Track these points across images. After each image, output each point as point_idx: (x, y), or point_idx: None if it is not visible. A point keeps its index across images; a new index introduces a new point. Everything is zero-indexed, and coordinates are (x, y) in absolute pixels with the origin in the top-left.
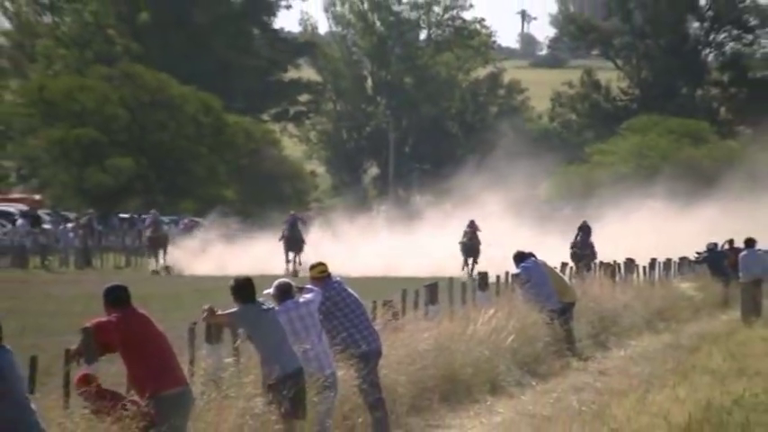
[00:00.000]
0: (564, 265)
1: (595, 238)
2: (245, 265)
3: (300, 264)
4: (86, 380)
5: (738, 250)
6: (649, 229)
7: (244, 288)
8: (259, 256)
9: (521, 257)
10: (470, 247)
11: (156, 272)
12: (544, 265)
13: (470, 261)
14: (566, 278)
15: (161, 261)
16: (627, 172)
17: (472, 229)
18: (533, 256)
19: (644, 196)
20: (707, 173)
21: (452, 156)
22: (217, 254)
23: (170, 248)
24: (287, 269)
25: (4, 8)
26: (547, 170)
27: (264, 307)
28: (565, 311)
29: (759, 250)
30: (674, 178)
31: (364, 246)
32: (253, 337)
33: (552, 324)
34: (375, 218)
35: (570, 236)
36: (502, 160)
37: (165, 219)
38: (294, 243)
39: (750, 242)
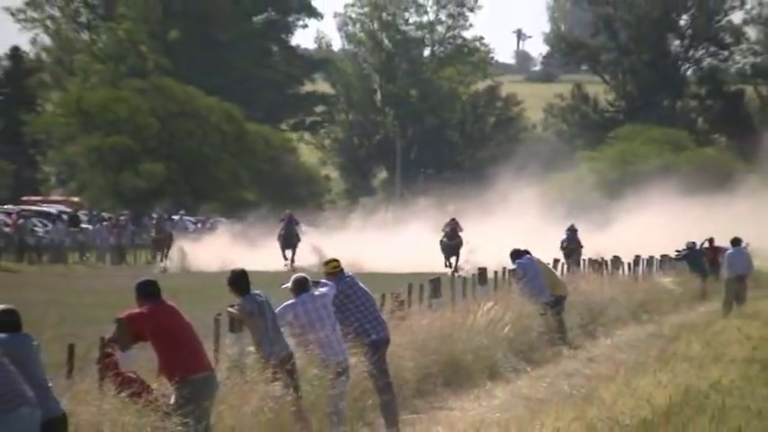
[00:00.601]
0: (556, 261)
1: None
2: (253, 261)
3: (294, 260)
4: (111, 365)
5: (717, 249)
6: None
7: (239, 280)
8: (269, 252)
9: (517, 254)
10: (450, 245)
11: (163, 269)
12: (538, 261)
13: (452, 259)
14: (557, 274)
15: (165, 259)
16: (614, 176)
17: (452, 227)
18: (528, 253)
19: (632, 198)
20: (685, 177)
21: (453, 162)
22: (230, 251)
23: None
24: (286, 265)
25: (45, 26)
26: (541, 174)
27: (259, 298)
28: (557, 304)
29: (745, 247)
30: (656, 182)
31: (375, 243)
32: (250, 325)
33: (545, 315)
34: (382, 217)
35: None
36: (504, 165)
37: (192, 218)
38: (290, 240)
39: (736, 241)
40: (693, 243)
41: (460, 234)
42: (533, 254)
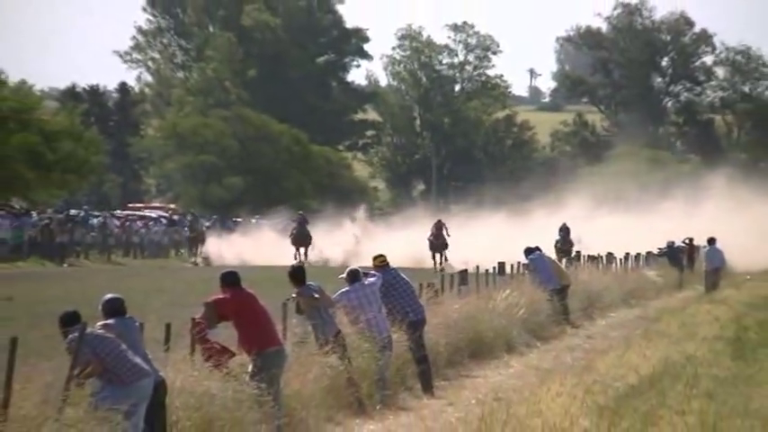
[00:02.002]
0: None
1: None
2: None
3: (307, 256)
4: (201, 339)
5: (694, 247)
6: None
7: (297, 273)
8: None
9: (529, 251)
10: (436, 244)
11: (195, 263)
12: (547, 257)
13: (438, 256)
14: (563, 266)
15: (199, 254)
16: (611, 188)
17: (438, 228)
18: (539, 249)
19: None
20: (666, 189)
21: (478, 176)
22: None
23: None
24: (299, 261)
25: (147, 66)
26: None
27: (312, 287)
28: (562, 291)
29: (718, 246)
30: (643, 192)
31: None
32: (308, 308)
33: (552, 301)
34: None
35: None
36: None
37: (266, 222)
38: (302, 239)
39: (711, 240)
40: (672, 242)
41: (445, 234)
42: (542, 250)
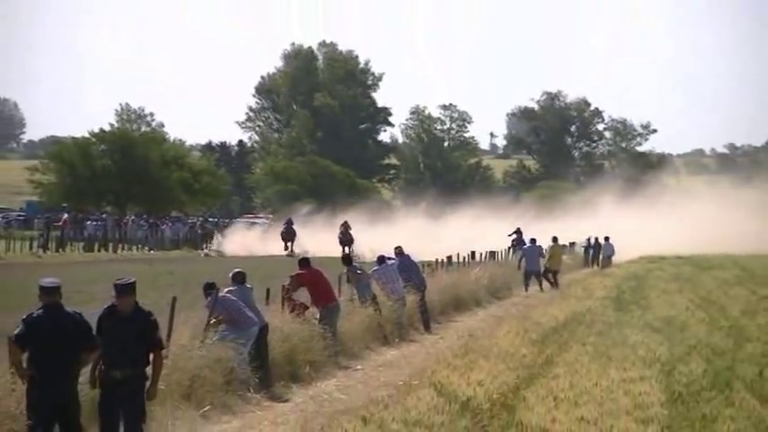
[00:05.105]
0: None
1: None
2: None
3: (293, 249)
4: (289, 298)
5: (599, 243)
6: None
7: (347, 257)
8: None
9: (531, 241)
10: (344, 240)
11: (207, 254)
12: (538, 247)
13: (347, 249)
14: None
15: (211, 247)
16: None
17: (345, 228)
18: (534, 241)
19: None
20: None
21: (459, 199)
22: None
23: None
24: (288, 252)
25: (255, 130)
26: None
27: (357, 266)
28: (549, 273)
29: (611, 242)
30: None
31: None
32: (354, 281)
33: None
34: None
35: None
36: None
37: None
38: (289, 236)
39: (606, 238)
40: (588, 238)
41: (351, 232)
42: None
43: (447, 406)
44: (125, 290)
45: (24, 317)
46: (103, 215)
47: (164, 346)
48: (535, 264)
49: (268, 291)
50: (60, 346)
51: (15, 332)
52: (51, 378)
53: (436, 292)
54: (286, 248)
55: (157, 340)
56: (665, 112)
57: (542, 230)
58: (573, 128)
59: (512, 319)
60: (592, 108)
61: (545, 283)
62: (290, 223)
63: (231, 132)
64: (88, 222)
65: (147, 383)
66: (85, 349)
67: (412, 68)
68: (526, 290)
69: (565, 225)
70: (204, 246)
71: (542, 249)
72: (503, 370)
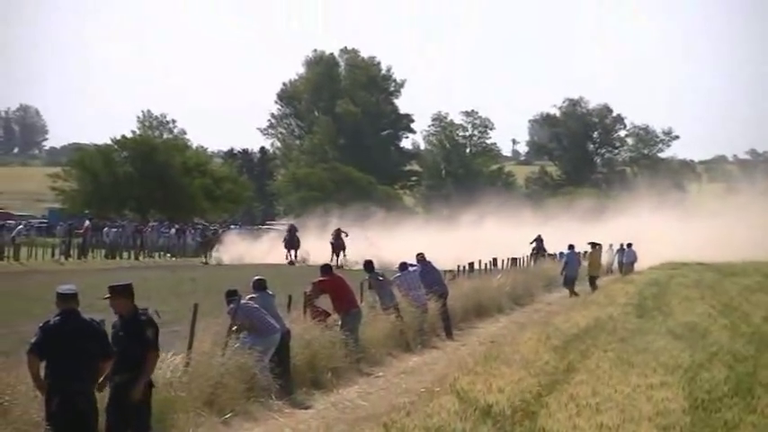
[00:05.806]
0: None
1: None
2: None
3: (297, 257)
4: (311, 304)
5: (622, 249)
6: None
7: (369, 264)
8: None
9: (569, 247)
10: (336, 245)
11: (205, 263)
12: (579, 253)
13: (341, 253)
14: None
15: (211, 256)
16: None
17: (337, 232)
18: (573, 247)
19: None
20: (595, 211)
21: (480, 205)
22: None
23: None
24: (289, 261)
25: (277, 137)
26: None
27: (378, 273)
28: (593, 281)
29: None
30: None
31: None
32: (376, 287)
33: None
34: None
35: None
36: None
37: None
38: (292, 244)
39: (629, 245)
40: (612, 245)
41: (343, 237)
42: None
43: (469, 413)
44: (117, 291)
45: (41, 324)
46: (123, 222)
47: (156, 348)
48: (574, 270)
49: (290, 297)
50: (77, 353)
51: (32, 340)
52: (69, 385)
53: (458, 298)
54: (287, 257)
55: (146, 339)
56: (687, 118)
57: (569, 236)
58: (595, 134)
59: (534, 325)
60: (614, 114)
61: (577, 288)
62: (292, 231)
63: (253, 139)
64: (105, 229)
65: (147, 384)
66: (102, 358)
67: (434, 75)
68: (574, 293)
69: (595, 230)
70: (205, 255)
71: (581, 255)
72: (524, 376)
